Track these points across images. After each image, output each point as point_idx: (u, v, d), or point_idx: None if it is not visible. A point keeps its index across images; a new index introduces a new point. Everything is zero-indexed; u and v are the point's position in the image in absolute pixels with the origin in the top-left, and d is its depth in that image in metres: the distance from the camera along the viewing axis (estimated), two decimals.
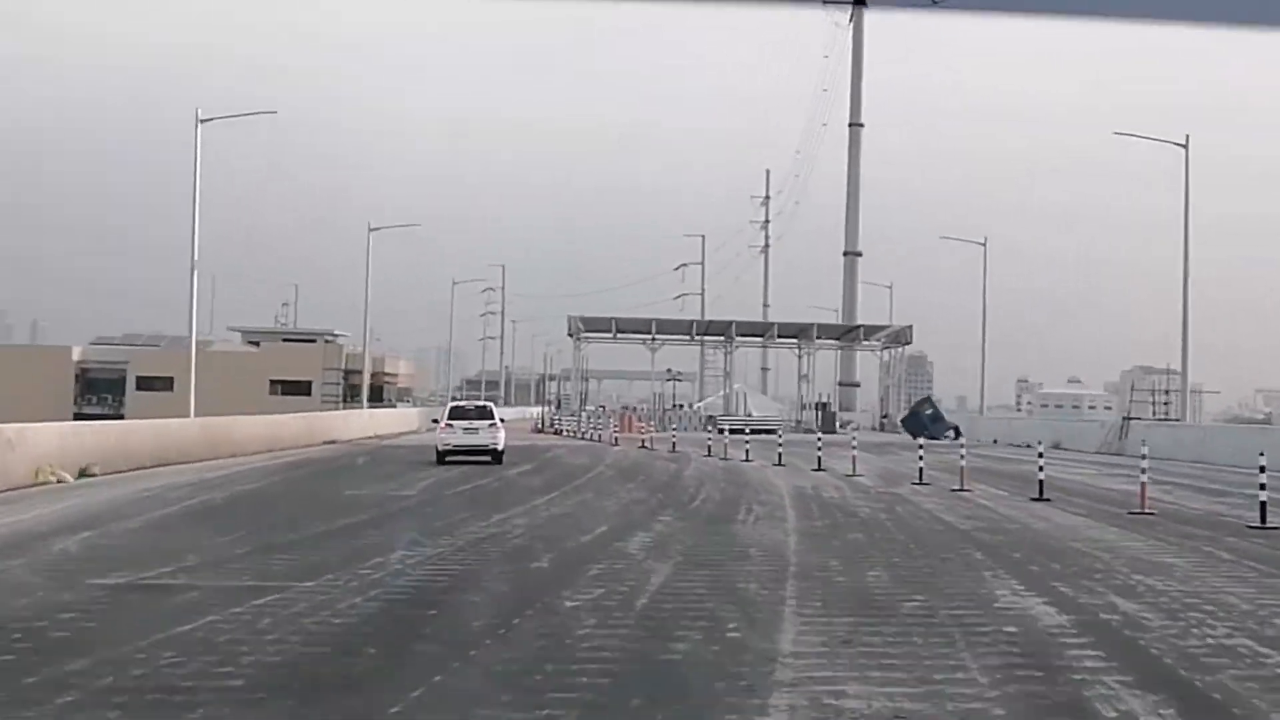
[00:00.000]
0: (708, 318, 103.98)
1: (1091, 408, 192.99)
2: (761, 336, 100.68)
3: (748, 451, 45.44)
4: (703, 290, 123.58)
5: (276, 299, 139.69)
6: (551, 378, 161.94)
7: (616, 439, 61.37)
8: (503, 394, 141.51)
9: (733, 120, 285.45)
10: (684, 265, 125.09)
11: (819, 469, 39.10)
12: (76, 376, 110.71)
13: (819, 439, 43.33)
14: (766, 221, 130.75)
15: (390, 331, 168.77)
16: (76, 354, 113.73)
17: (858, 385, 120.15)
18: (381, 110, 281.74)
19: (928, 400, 78.14)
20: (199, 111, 47.43)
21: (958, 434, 78.10)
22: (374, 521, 22.56)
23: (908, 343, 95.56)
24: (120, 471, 34.67)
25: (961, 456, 33.37)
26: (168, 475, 34.04)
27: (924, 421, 76.16)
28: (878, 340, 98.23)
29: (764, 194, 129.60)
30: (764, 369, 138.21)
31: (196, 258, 47.94)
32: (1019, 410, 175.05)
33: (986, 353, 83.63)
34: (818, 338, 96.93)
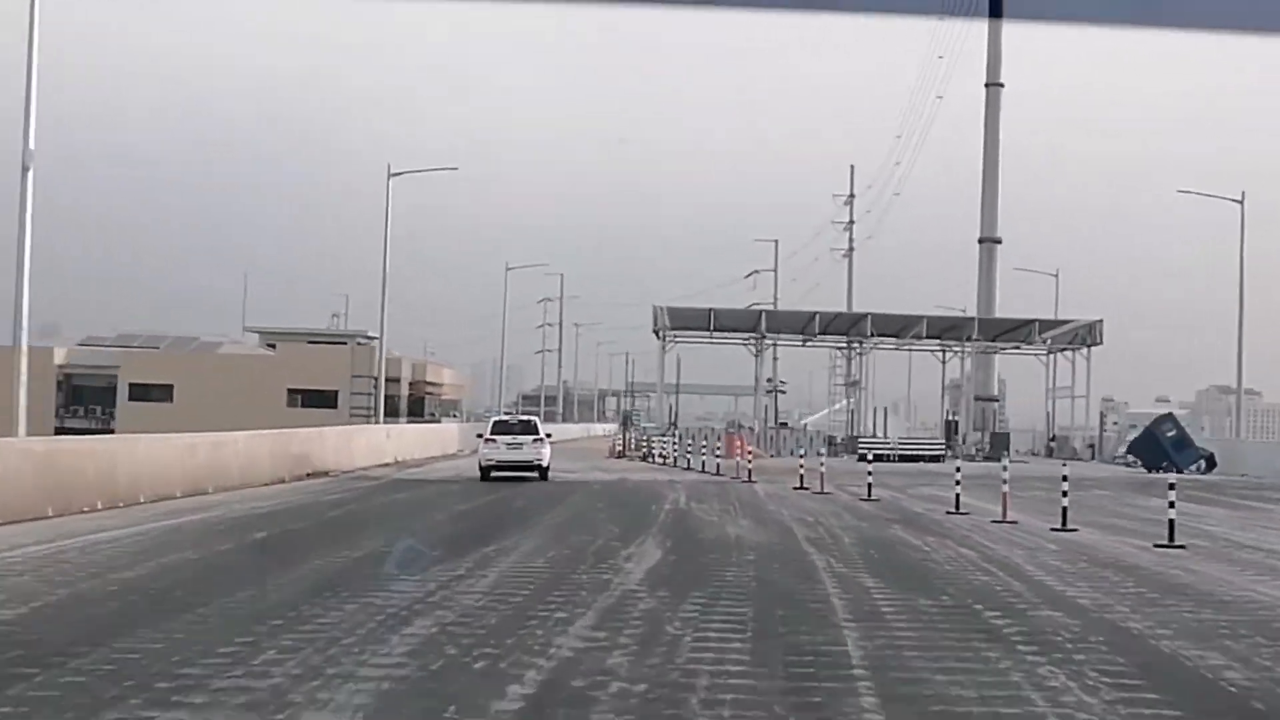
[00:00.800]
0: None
1: None
2: (897, 335, 78.81)
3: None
4: (775, 298, 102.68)
5: (329, 309, 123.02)
6: (614, 393, 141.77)
7: (750, 473, 40.58)
8: (561, 409, 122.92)
9: (808, 121, 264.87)
10: (755, 272, 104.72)
11: None
12: (59, 383, 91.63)
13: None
14: (851, 222, 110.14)
15: (445, 345, 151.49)
16: (59, 356, 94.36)
17: (997, 400, 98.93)
18: (441, 112, 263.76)
19: (1169, 418, 55.96)
20: None
21: (1210, 465, 56.76)
22: None
23: (1095, 343, 73.97)
24: None
25: None
26: None
27: (1164, 448, 54.77)
28: (1043, 341, 76.88)
29: (848, 192, 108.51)
30: (853, 382, 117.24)
31: (28, 163, 26.47)
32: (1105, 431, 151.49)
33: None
34: (974, 337, 75.82)
